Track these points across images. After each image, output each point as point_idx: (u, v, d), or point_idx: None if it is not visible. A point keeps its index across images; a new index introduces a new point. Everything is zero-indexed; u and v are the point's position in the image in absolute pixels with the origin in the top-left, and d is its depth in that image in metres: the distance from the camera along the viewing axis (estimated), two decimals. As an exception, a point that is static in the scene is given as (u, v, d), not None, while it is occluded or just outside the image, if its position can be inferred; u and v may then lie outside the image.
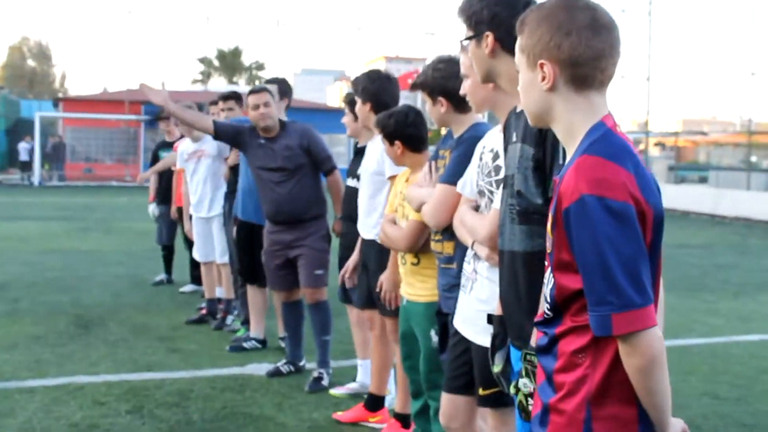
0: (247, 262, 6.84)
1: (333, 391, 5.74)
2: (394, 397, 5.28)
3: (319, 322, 6.06)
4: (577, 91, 2.05)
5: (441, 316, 3.70)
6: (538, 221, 2.47)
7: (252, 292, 6.97)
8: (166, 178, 9.49)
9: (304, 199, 6.08)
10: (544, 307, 2.13)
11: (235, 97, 7.52)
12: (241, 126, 6.37)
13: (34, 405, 5.38)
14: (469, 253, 3.22)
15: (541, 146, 2.48)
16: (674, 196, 23.26)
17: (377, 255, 4.85)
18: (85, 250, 13.17)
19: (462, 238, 3.30)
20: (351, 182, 5.48)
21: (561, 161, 2.38)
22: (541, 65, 2.06)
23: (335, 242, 6.23)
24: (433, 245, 3.82)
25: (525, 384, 2.28)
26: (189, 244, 8.84)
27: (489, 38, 2.73)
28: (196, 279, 9.22)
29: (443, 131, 3.99)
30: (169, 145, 9.63)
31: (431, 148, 4.17)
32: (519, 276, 2.59)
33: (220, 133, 6.21)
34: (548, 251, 2.07)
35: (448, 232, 3.61)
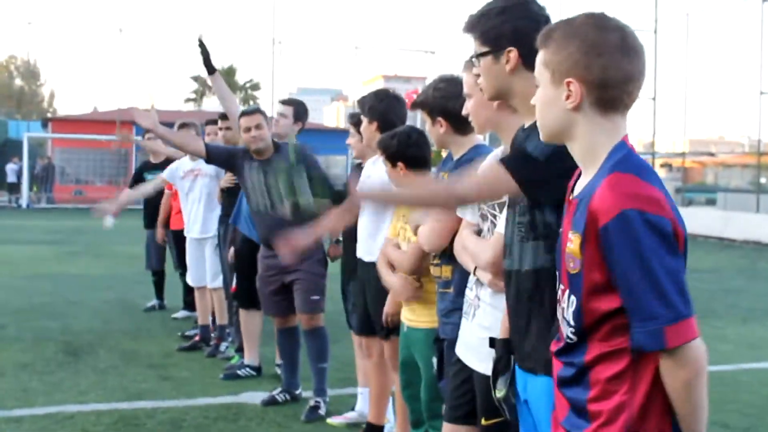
0: (246, 284, 6.67)
1: (331, 421, 5.60)
2: (393, 426, 5.16)
3: (316, 349, 5.92)
4: (602, 113, 2.03)
5: (438, 342, 3.64)
6: (544, 237, 2.45)
7: (247, 316, 6.81)
8: (152, 201, 9.32)
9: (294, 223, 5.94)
10: (566, 332, 2.07)
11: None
12: (234, 149, 6.25)
13: (20, 436, 5.22)
14: (472, 279, 3.15)
15: None
16: (681, 219, 23.13)
17: (377, 279, 4.73)
18: (75, 275, 13.00)
19: (464, 264, 3.23)
20: None
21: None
22: (568, 83, 2.01)
23: (332, 267, 6.11)
24: (432, 269, 3.75)
25: None
26: (181, 268, 8.69)
27: (512, 54, 2.61)
28: (189, 305, 9.07)
29: (444, 153, 3.91)
30: (154, 167, 9.46)
31: (433, 170, 4.09)
32: (528, 295, 2.52)
33: (212, 156, 6.09)
34: (570, 272, 2.01)
35: (446, 255, 3.56)
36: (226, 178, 7.25)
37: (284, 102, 6.76)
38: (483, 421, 3.05)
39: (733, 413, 5.90)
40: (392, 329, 4.55)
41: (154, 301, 9.91)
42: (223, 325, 7.65)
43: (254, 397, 6.14)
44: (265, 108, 6.64)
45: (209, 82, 6.77)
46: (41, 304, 10.05)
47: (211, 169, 7.50)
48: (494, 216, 2.97)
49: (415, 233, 3.71)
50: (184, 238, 8.05)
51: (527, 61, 2.58)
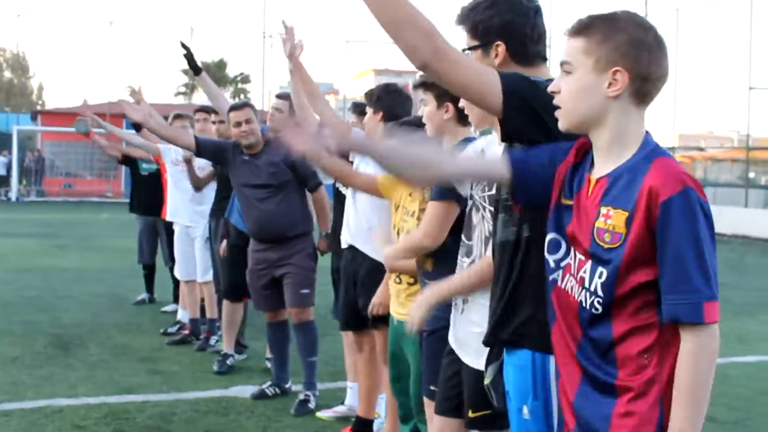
0: (236, 277, 6.65)
1: (320, 414, 5.61)
2: (383, 421, 5.16)
3: (305, 342, 5.93)
4: (636, 105, 2.14)
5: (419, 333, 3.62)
6: (507, 210, 2.50)
7: (232, 308, 6.80)
8: (147, 189, 9.29)
9: (289, 216, 5.95)
10: (589, 301, 2.12)
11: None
12: (224, 143, 6.25)
13: (10, 429, 5.21)
14: (460, 268, 3.12)
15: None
16: (671, 213, 23.19)
17: (368, 269, 4.74)
18: (64, 268, 12.96)
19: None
20: (342, 188, 5.37)
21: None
22: (615, 72, 2.08)
23: (321, 261, 6.11)
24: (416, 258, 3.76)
25: None
26: (172, 263, 8.68)
27: (500, 48, 2.61)
28: (178, 298, 9.04)
29: None
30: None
31: None
32: (498, 267, 2.58)
33: (202, 150, 6.10)
34: (603, 245, 2.08)
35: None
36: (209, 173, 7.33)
37: (280, 96, 6.74)
38: (470, 414, 3.06)
39: (722, 407, 5.91)
40: (380, 319, 4.55)
41: (143, 295, 9.88)
42: (213, 319, 7.64)
43: (244, 390, 6.14)
44: (255, 101, 6.65)
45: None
46: (31, 298, 10.02)
47: (202, 161, 7.49)
48: (484, 208, 2.95)
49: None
50: (171, 232, 8.05)
51: (515, 55, 2.61)
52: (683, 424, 1.98)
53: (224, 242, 6.85)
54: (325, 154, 3.78)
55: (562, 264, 2.19)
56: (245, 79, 58.51)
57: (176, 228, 7.99)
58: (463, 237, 3.12)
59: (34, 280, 11.56)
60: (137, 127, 8.84)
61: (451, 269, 3.23)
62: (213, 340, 7.53)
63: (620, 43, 2.08)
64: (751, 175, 30.17)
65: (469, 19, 2.67)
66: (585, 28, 2.14)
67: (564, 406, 2.21)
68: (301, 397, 5.77)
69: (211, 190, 7.59)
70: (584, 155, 2.21)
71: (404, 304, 4.06)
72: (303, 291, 5.91)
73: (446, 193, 3.45)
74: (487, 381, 2.68)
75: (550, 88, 2.20)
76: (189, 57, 6.15)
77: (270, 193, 5.93)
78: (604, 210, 2.08)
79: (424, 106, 3.67)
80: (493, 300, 2.59)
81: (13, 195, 33.33)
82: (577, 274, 2.15)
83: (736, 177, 33.93)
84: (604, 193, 2.10)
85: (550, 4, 28.80)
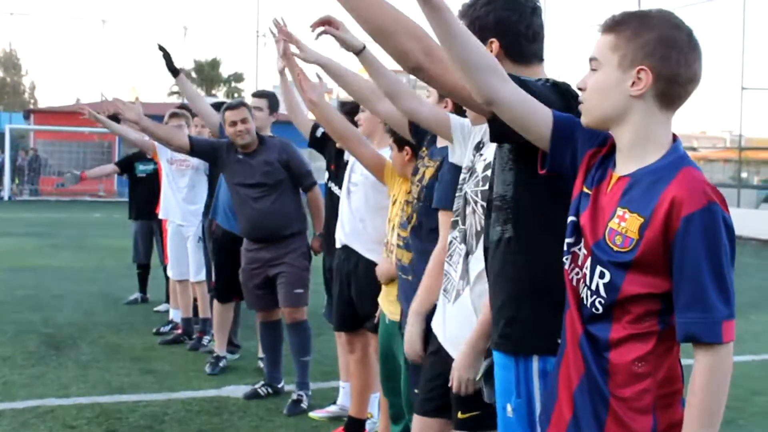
0: (225, 278, 6.65)
1: (313, 414, 5.60)
2: (376, 421, 5.16)
3: (298, 342, 5.92)
4: (661, 106, 2.07)
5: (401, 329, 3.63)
6: (501, 209, 2.50)
7: (222, 309, 6.79)
8: (143, 191, 9.27)
9: (283, 215, 5.94)
10: (590, 300, 2.10)
11: (217, 108, 7.34)
12: (218, 142, 6.23)
13: (1, 429, 5.19)
14: (455, 259, 3.05)
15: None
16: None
17: (364, 270, 4.73)
18: (57, 267, 12.92)
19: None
20: (335, 189, 5.36)
21: None
22: (639, 70, 2.03)
23: (314, 261, 6.10)
24: (396, 250, 3.79)
25: None
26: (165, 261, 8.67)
27: (494, 45, 2.61)
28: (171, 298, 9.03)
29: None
30: (147, 159, 9.43)
31: None
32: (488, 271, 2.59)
33: (196, 149, 6.09)
34: (613, 247, 2.04)
35: (409, 240, 3.61)
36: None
37: (257, 95, 6.77)
38: (459, 415, 3.03)
39: (714, 406, 5.93)
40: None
41: (136, 294, 9.86)
42: (206, 319, 7.62)
43: (236, 390, 6.13)
44: (249, 101, 6.64)
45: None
46: (23, 297, 9.99)
47: (197, 161, 7.49)
48: (476, 203, 2.93)
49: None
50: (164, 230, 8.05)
51: (509, 52, 2.61)
52: None
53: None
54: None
55: (572, 249, 2.16)
56: (238, 78, 58.45)
57: (169, 227, 7.98)
58: (459, 222, 3.07)
59: (26, 279, 11.52)
60: (126, 169, 8.96)
61: (425, 266, 3.30)
62: (206, 339, 7.51)
63: (648, 41, 2.03)
64: (744, 175, 30.25)
65: (467, 15, 2.67)
66: (616, 24, 2.10)
67: (562, 394, 2.16)
68: (294, 397, 5.76)
69: (203, 190, 7.58)
70: (614, 149, 2.17)
71: (394, 302, 4.04)
72: (297, 291, 5.90)
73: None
74: (478, 377, 2.70)
75: (577, 84, 2.18)
76: (167, 59, 6.18)
77: (264, 192, 5.92)
78: (620, 211, 2.04)
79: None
80: (490, 301, 2.61)
81: (5, 194, 33.21)
82: (582, 268, 2.13)
83: (729, 177, 34.07)
84: (623, 193, 2.05)
85: (543, 4, 28.79)
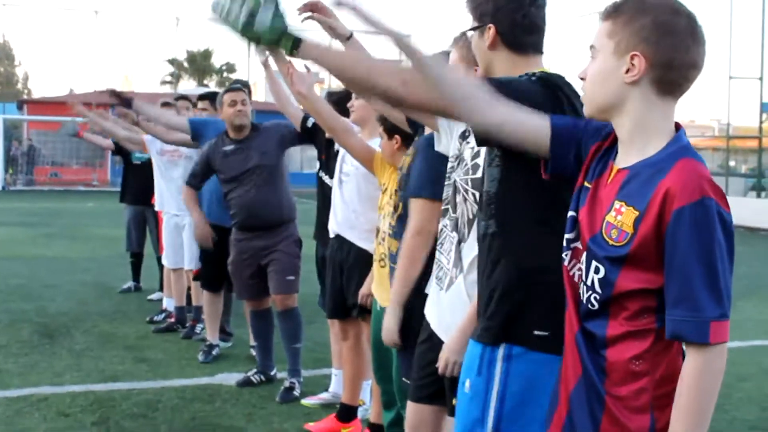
0: (211, 268, 6.69)
1: (305, 401, 5.64)
2: (368, 408, 5.20)
3: (290, 329, 5.95)
4: (658, 93, 2.01)
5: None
6: (487, 204, 2.53)
7: (212, 298, 6.83)
8: (138, 178, 9.27)
9: (275, 203, 5.96)
10: (586, 296, 2.06)
11: (211, 97, 7.38)
12: (212, 121, 6.31)
13: (-5, 418, 5.23)
14: (447, 247, 3.10)
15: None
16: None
17: (355, 258, 4.77)
18: (51, 257, 12.94)
19: None
20: (327, 179, 5.39)
21: None
22: (633, 56, 1.99)
23: (305, 249, 6.13)
24: (387, 238, 3.85)
25: None
26: (160, 249, 8.70)
27: (491, 30, 2.64)
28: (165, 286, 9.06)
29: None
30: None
31: None
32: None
33: (195, 131, 6.21)
34: (609, 241, 1.99)
35: (401, 229, 3.64)
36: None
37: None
38: (454, 401, 3.09)
39: (701, 392, 5.99)
40: (366, 309, 4.59)
41: (129, 283, 9.89)
42: (199, 307, 7.65)
43: (229, 378, 6.17)
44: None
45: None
46: (17, 286, 10.01)
47: (189, 150, 7.52)
48: (466, 191, 2.96)
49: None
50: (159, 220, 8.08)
51: (505, 38, 2.63)
52: None
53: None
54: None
55: (572, 246, 2.12)
56: (231, 69, 58.21)
57: (164, 217, 8.00)
58: (449, 210, 3.10)
59: (19, 268, 11.54)
60: (120, 153, 8.98)
61: None
62: (199, 327, 7.54)
63: (643, 26, 1.97)
64: (732, 163, 30.32)
65: (471, 2, 2.71)
66: (614, 10, 2.05)
67: (562, 394, 2.15)
68: (287, 384, 5.80)
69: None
70: (615, 141, 2.12)
71: (387, 289, 4.06)
72: (288, 278, 5.93)
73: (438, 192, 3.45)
74: None
75: (578, 74, 2.15)
76: (120, 100, 6.61)
77: (257, 181, 5.91)
78: (617, 204, 1.98)
79: None
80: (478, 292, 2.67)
81: (-2, 184, 33.17)
82: (580, 263, 2.09)
83: (717, 165, 34.12)
84: (621, 186, 2.00)
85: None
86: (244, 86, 6.60)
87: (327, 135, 5.23)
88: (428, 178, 3.47)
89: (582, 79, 2.13)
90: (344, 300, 4.98)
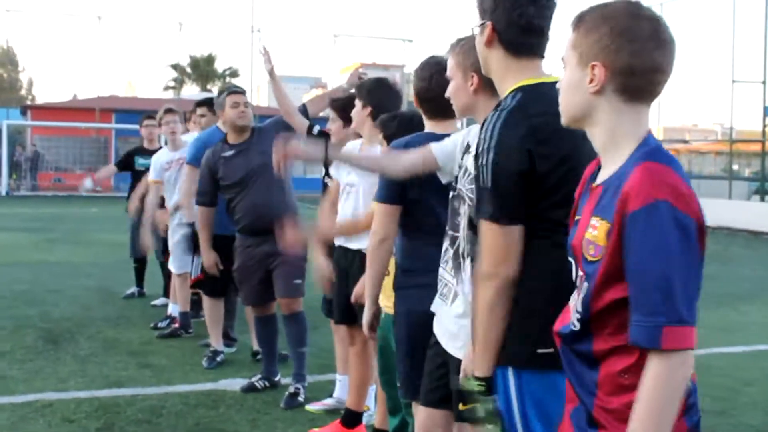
0: (213, 275, 6.68)
1: (309, 407, 5.63)
2: (373, 414, 5.19)
3: (295, 333, 5.94)
4: (625, 101, 2.00)
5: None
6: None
7: (213, 304, 6.83)
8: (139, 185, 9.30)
9: (280, 204, 5.94)
10: (573, 318, 2.06)
11: (209, 103, 7.38)
12: (208, 169, 6.22)
13: (0, 423, 5.22)
14: (445, 260, 3.13)
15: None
16: (655, 206, 23.23)
17: (360, 267, 4.76)
18: (54, 262, 12.95)
19: None
20: (330, 182, 5.39)
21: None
22: (593, 66, 1.99)
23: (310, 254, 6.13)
24: None
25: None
26: (164, 255, 8.70)
27: (488, 28, 2.64)
28: (168, 292, 9.06)
29: None
30: (147, 152, 9.47)
31: None
32: None
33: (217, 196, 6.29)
34: (589, 258, 1.98)
35: None
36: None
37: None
38: (460, 406, 3.10)
39: (707, 397, 5.97)
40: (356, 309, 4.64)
41: (133, 289, 9.89)
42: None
43: (233, 383, 6.17)
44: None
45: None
46: (21, 292, 10.01)
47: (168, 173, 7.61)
48: (471, 199, 2.95)
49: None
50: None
51: (501, 37, 2.61)
52: None
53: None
54: None
55: (577, 275, 2.08)
56: (234, 74, 58.36)
57: (171, 224, 7.96)
58: (447, 227, 3.14)
59: (23, 274, 11.55)
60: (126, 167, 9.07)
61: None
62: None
63: (602, 36, 1.97)
64: (735, 167, 30.31)
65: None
66: (578, 20, 2.06)
67: (566, 409, 2.16)
68: (291, 390, 5.79)
69: None
70: (598, 167, 2.10)
71: (391, 296, 4.07)
72: (295, 281, 5.92)
73: (392, 196, 3.63)
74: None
75: (558, 85, 2.15)
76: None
77: (261, 181, 5.88)
78: (593, 220, 1.98)
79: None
80: None
81: (2, 189, 33.21)
82: (581, 290, 2.06)
83: (720, 169, 34.16)
84: (597, 202, 1.99)
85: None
86: (203, 103, 6.70)
87: (333, 140, 5.25)
88: (384, 183, 3.66)
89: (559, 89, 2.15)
90: (351, 306, 4.98)
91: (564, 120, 2.12)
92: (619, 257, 1.90)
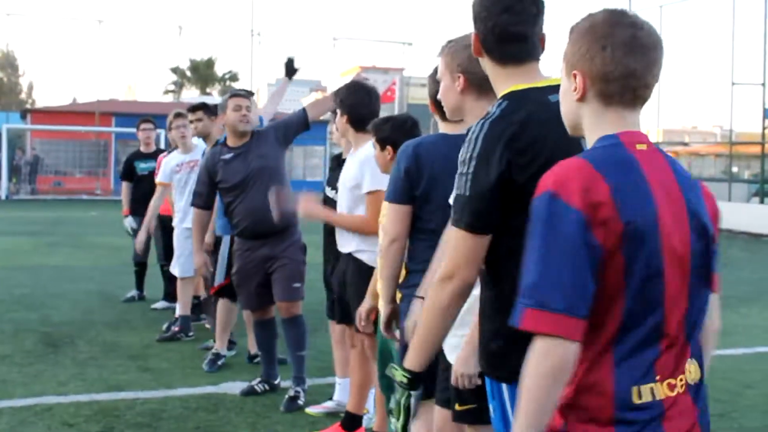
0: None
1: (309, 410, 5.63)
2: (372, 417, 5.19)
3: (295, 336, 5.93)
4: (605, 106, 2.04)
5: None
6: None
7: (230, 309, 6.83)
8: (144, 188, 9.28)
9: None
10: None
11: (204, 107, 7.35)
12: (208, 160, 6.22)
13: (0, 427, 5.21)
14: None
15: None
16: (655, 208, 23.27)
17: (353, 270, 4.76)
18: (54, 266, 12.95)
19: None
20: (330, 193, 5.38)
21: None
22: (574, 75, 2.05)
23: (311, 257, 6.13)
24: None
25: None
26: (165, 261, 8.70)
27: (474, 36, 2.65)
28: (169, 296, 9.06)
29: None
30: (145, 156, 9.48)
31: None
32: None
33: (214, 201, 6.34)
34: None
35: None
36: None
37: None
38: (457, 406, 3.12)
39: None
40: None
41: (133, 292, 9.87)
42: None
43: (233, 387, 6.16)
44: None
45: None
46: (21, 296, 10.01)
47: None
48: None
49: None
50: (171, 228, 8.06)
51: (485, 46, 2.62)
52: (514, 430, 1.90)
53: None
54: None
55: None
56: (234, 77, 58.41)
57: (177, 228, 7.93)
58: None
59: (23, 277, 11.54)
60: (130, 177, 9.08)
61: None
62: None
63: (581, 45, 2.04)
64: (735, 169, 30.30)
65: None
66: (570, 31, 2.11)
67: None
68: (291, 393, 5.78)
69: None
70: None
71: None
72: (295, 285, 5.91)
73: (402, 196, 3.62)
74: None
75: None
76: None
77: (260, 183, 5.86)
78: None
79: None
80: None
81: (2, 193, 33.19)
82: None
83: (720, 171, 34.16)
84: None
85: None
86: (248, 94, 6.61)
87: (337, 153, 5.31)
88: (394, 182, 3.66)
89: None
90: (349, 307, 4.98)
91: (568, 130, 2.18)
92: None
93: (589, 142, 2.08)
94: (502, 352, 2.48)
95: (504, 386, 2.50)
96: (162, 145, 9.28)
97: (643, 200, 1.93)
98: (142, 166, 9.45)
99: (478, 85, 2.93)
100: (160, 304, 9.29)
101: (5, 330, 8.03)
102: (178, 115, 7.90)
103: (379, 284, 3.89)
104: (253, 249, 5.97)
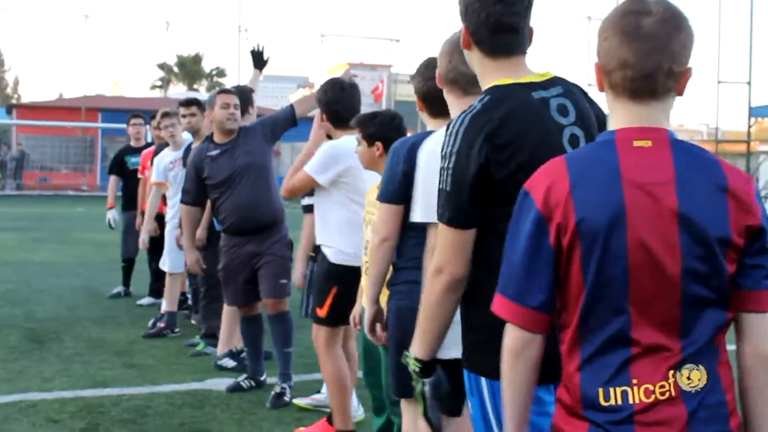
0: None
1: (297, 401, 5.64)
2: (358, 407, 5.21)
3: (281, 333, 5.92)
4: (614, 99, 2.04)
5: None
6: None
7: (235, 312, 6.79)
8: (133, 184, 9.27)
9: (267, 203, 5.92)
10: None
11: (197, 103, 7.33)
12: (195, 159, 6.18)
13: (-16, 424, 5.20)
14: None
15: None
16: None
17: (320, 263, 4.79)
18: (39, 262, 12.90)
19: None
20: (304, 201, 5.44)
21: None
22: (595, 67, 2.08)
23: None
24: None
25: None
26: (151, 255, 8.67)
27: (463, 31, 2.64)
28: (155, 292, 9.04)
29: None
30: (135, 151, 9.45)
31: None
32: None
33: (203, 197, 6.27)
34: None
35: None
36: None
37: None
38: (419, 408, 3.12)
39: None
40: (342, 318, 4.62)
41: (119, 288, 9.84)
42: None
43: (219, 383, 6.15)
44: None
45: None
46: (5, 291, 9.97)
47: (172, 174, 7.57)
48: None
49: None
50: (162, 224, 8.05)
51: (475, 38, 2.60)
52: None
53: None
54: None
55: None
56: (221, 74, 58.36)
57: (168, 224, 7.89)
58: None
59: (8, 273, 11.50)
60: (121, 173, 9.05)
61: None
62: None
63: (598, 37, 2.03)
64: (720, 167, 30.50)
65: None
66: None
67: None
68: (277, 389, 5.78)
69: None
70: None
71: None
72: (281, 281, 5.90)
73: (394, 195, 3.57)
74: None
75: None
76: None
77: (247, 180, 5.86)
78: None
79: None
80: None
81: (-13, 189, 33.09)
82: None
83: (706, 169, 34.43)
84: None
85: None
86: (246, 92, 6.60)
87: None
88: (387, 181, 3.62)
89: None
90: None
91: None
92: None
93: None
94: (480, 344, 2.49)
95: (483, 381, 2.49)
96: (150, 140, 9.21)
97: (607, 198, 1.90)
98: (133, 161, 9.45)
99: (455, 81, 3.02)
100: (146, 300, 9.27)
101: (-10, 326, 8.00)
102: (165, 115, 7.88)
103: (364, 283, 3.87)
104: (240, 245, 5.96)
